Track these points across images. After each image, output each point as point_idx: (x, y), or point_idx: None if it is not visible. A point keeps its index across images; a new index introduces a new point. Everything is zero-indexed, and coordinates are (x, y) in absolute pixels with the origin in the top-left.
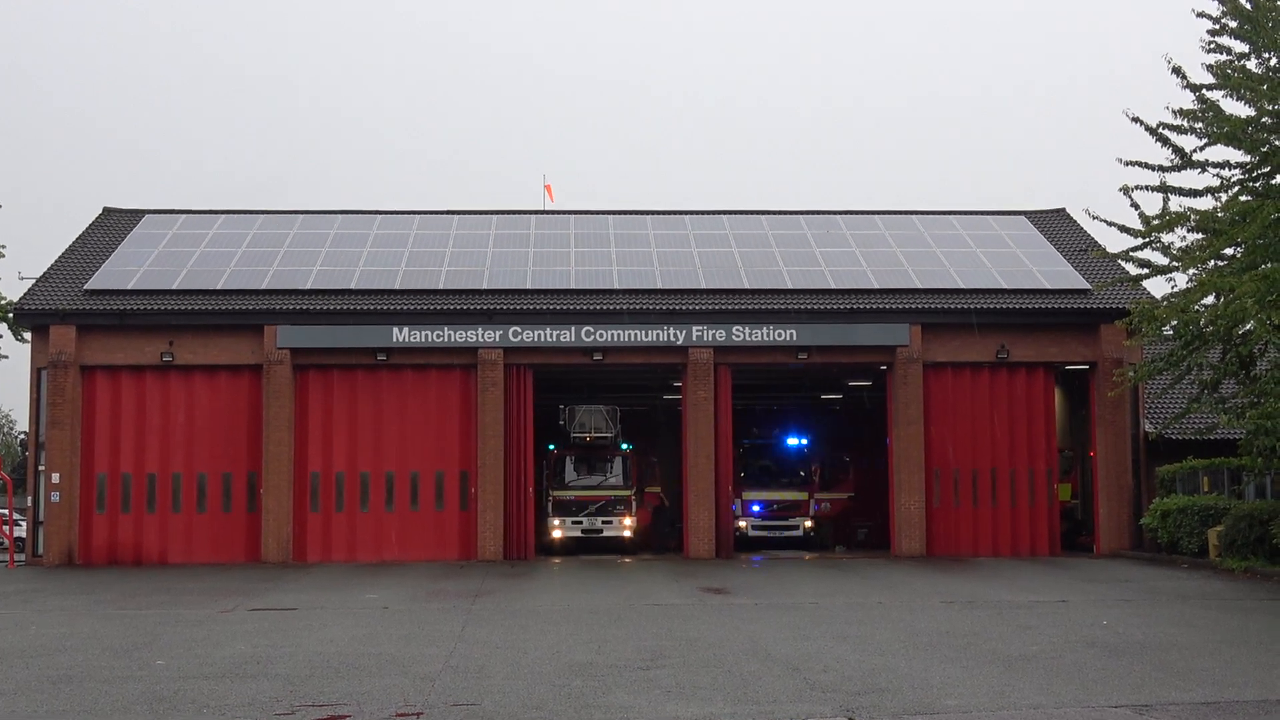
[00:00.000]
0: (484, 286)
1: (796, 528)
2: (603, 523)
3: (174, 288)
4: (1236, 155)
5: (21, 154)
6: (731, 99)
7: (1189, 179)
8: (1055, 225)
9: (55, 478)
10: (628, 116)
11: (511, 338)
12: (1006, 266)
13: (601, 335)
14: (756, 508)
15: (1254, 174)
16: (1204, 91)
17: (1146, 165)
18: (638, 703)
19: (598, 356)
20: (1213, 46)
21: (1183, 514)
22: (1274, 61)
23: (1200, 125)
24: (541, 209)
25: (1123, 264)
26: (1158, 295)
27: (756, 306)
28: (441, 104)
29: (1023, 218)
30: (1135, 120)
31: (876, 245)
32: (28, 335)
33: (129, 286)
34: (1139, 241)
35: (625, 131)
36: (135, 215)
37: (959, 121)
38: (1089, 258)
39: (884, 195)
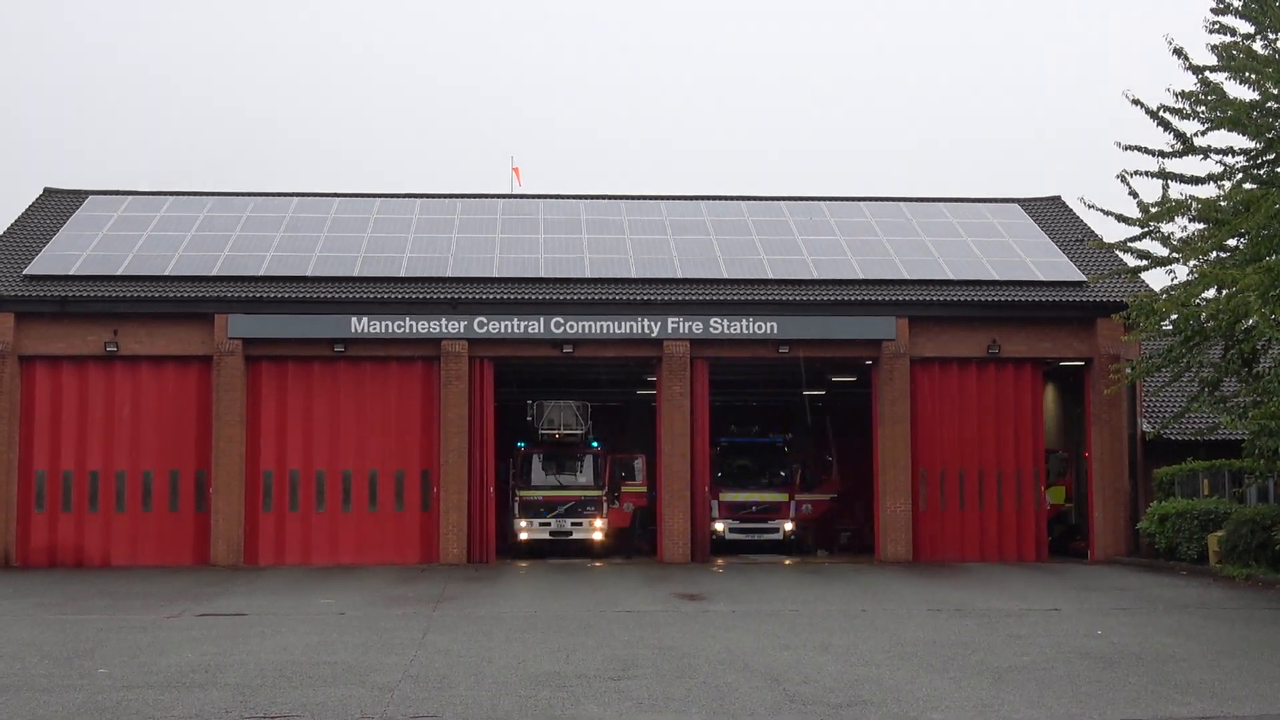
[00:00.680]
0: (448, 274)
1: (776, 531)
2: (572, 524)
3: (119, 274)
4: (1240, 141)
5: None
6: (711, 80)
7: (1190, 165)
8: (1050, 214)
9: None
10: (601, 96)
11: (477, 328)
12: (999, 257)
13: (572, 326)
14: (734, 509)
15: (1259, 161)
16: (1207, 74)
17: (1146, 150)
18: (607, 715)
19: (568, 349)
20: (1216, 27)
21: (1181, 518)
22: None
23: (1203, 109)
24: (509, 193)
25: (1120, 255)
26: (1157, 288)
27: (735, 297)
28: (401, 80)
29: (1016, 206)
30: (1135, 103)
31: (862, 234)
32: None
33: (71, 272)
34: (1137, 231)
35: (599, 112)
36: (78, 196)
37: (947, 103)
38: (1085, 248)
39: (871, 181)
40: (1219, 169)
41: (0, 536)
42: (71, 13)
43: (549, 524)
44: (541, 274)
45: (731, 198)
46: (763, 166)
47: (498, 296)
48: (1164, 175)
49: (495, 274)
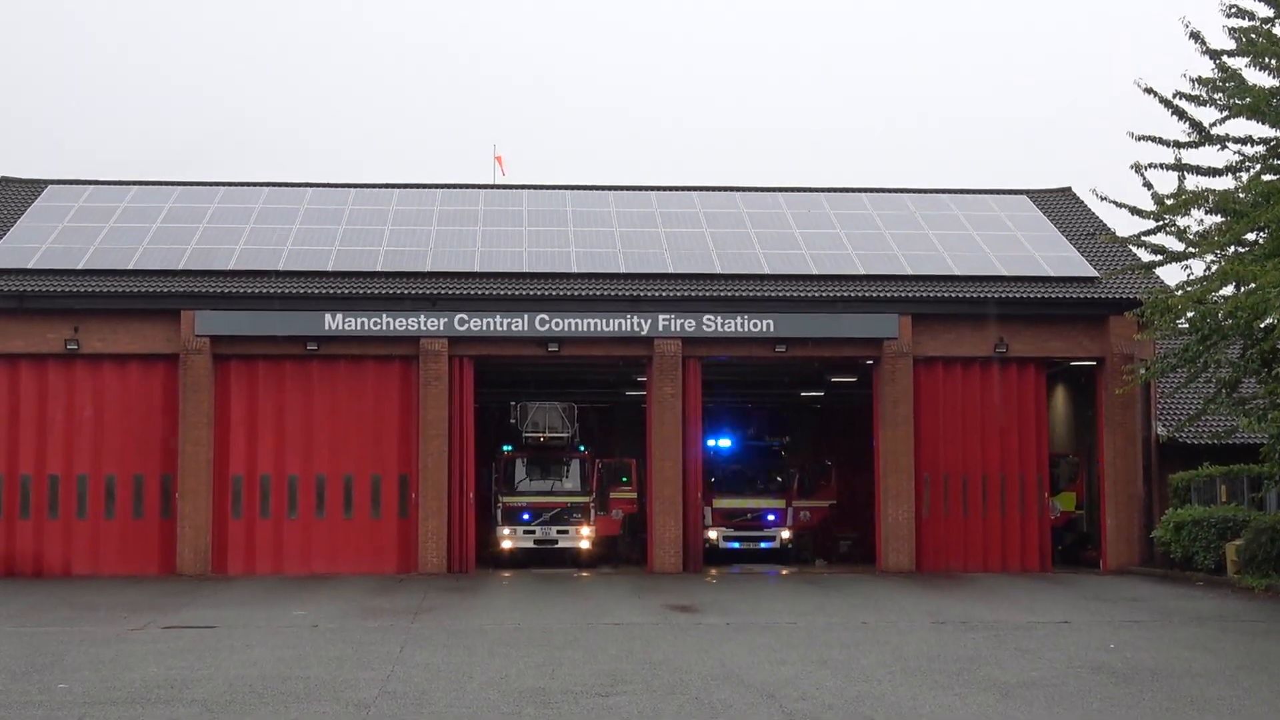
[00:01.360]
0: (427, 269)
1: (773, 539)
2: (558, 532)
3: (80, 267)
4: (1260, 129)
5: None
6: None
7: (1207, 156)
8: (1060, 206)
9: None
10: (588, 81)
11: (458, 326)
12: (1006, 251)
13: (558, 324)
14: (728, 517)
15: (1278, 150)
16: (1224, 59)
17: (1160, 140)
18: None
19: (553, 348)
20: (1234, 10)
21: (1198, 526)
22: None
23: (1220, 96)
24: (492, 183)
25: (1134, 249)
26: (1172, 284)
27: (730, 294)
28: (378, 65)
29: (1024, 198)
30: (1148, 91)
31: (863, 227)
32: None
33: (29, 265)
34: (1152, 225)
35: (585, 99)
36: (36, 186)
37: (953, 91)
38: (1097, 242)
39: (873, 173)
40: (1237, 159)
41: None
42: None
43: (533, 532)
44: (526, 268)
45: (726, 188)
46: (759, 158)
47: (479, 292)
48: (1179, 166)
49: (477, 268)
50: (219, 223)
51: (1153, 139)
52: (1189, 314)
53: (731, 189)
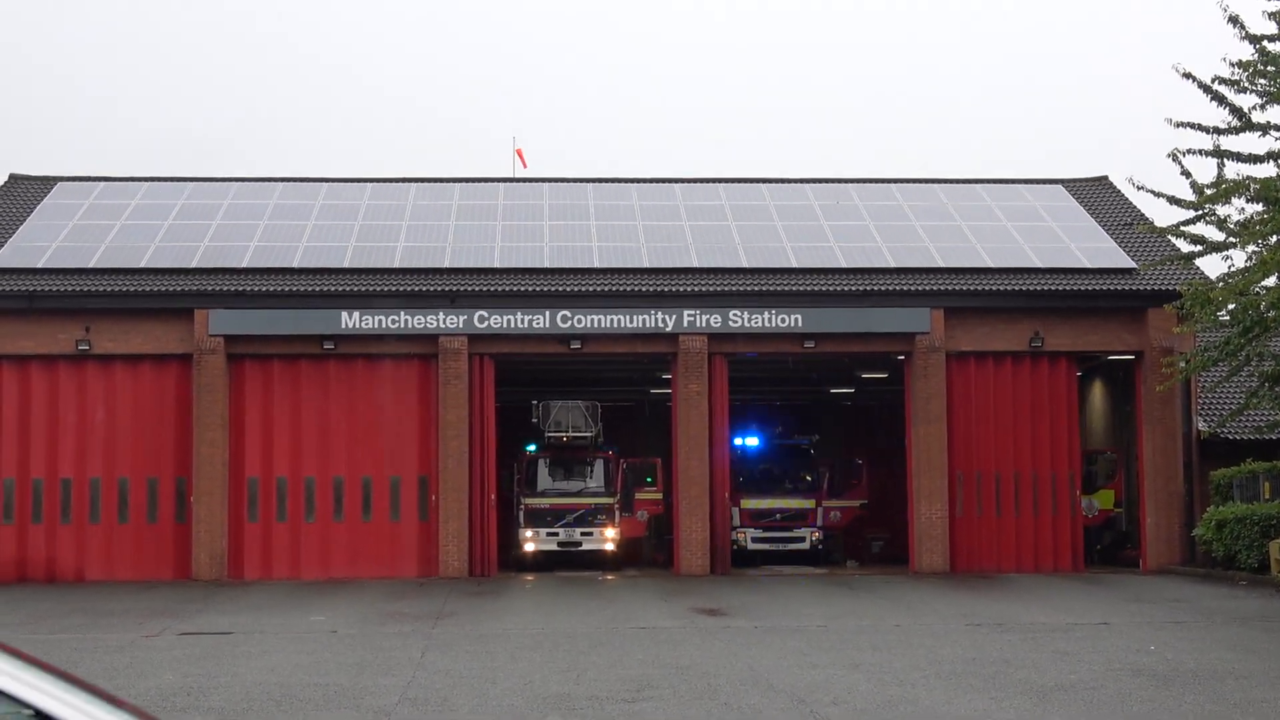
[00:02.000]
0: (446, 265)
1: (802, 539)
2: (582, 534)
3: (91, 266)
4: None
5: None
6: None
7: (1248, 142)
8: (1096, 196)
9: None
10: (610, 72)
11: (477, 323)
12: (1041, 243)
13: (580, 321)
14: (757, 517)
15: None
16: (1265, 43)
17: (1200, 127)
18: None
19: (575, 345)
20: None
21: (1240, 524)
22: None
23: (1261, 81)
24: (512, 177)
25: (1173, 240)
26: (1212, 275)
27: (757, 288)
28: (395, 58)
29: (1060, 187)
30: (1187, 76)
31: (893, 219)
32: None
33: (39, 265)
34: (1191, 214)
35: (607, 90)
36: (46, 183)
37: (987, 79)
38: (1134, 233)
39: (903, 163)
40: (1279, 146)
41: None
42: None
43: (557, 534)
44: (546, 264)
45: (752, 180)
46: (788, 150)
47: (499, 289)
48: (1219, 153)
49: (496, 264)
50: (232, 219)
51: (1192, 125)
52: (1230, 306)
53: (758, 180)
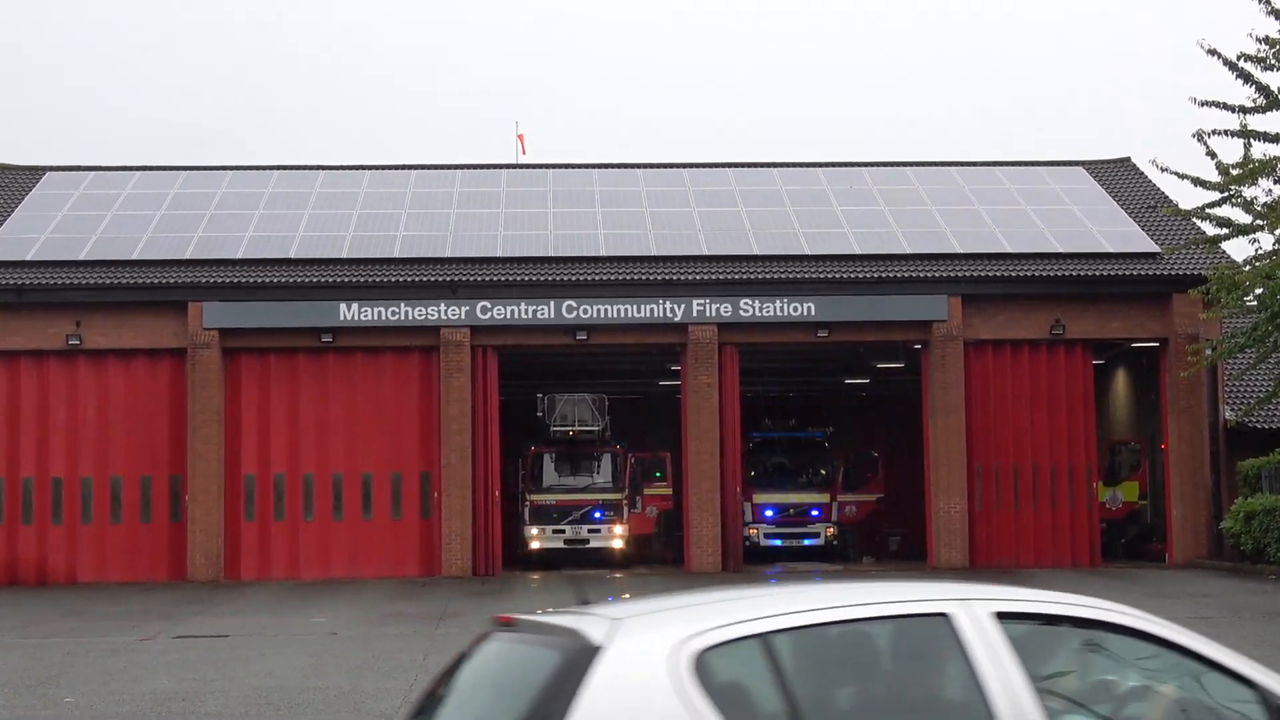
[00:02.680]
0: (447, 254)
1: (817, 535)
2: (589, 531)
3: (81, 258)
4: None
5: None
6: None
7: (1275, 121)
8: (1118, 178)
9: None
10: (617, 59)
11: (480, 314)
12: (1062, 227)
13: (585, 311)
14: (769, 512)
15: None
16: None
17: (1225, 106)
18: None
19: (581, 336)
20: None
21: (1270, 516)
22: None
23: None
24: (514, 163)
25: (1198, 223)
26: (1239, 259)
27: (768, 276)
28: (396, 42)
29: (1080, 169)
30: (1211, 53)
31: (909, 203)
32: None
33: (28, 257)
34: (1217, 196)
35: (613, 72)
36: (34, 173)
37: (1005, 60)
38: (1158, 216)
39: (920, 147)
40: None
41: None
42: None
43: (563, 531)
44: (551, 253)
45: (763, 164)
46: (802, 131)
47: (502, 278)
48: (1245, 133)
49: (499, 253)
50: (227, 209)
51: (1217, 104)
52: (1257, 290)
53: (769, 165)
